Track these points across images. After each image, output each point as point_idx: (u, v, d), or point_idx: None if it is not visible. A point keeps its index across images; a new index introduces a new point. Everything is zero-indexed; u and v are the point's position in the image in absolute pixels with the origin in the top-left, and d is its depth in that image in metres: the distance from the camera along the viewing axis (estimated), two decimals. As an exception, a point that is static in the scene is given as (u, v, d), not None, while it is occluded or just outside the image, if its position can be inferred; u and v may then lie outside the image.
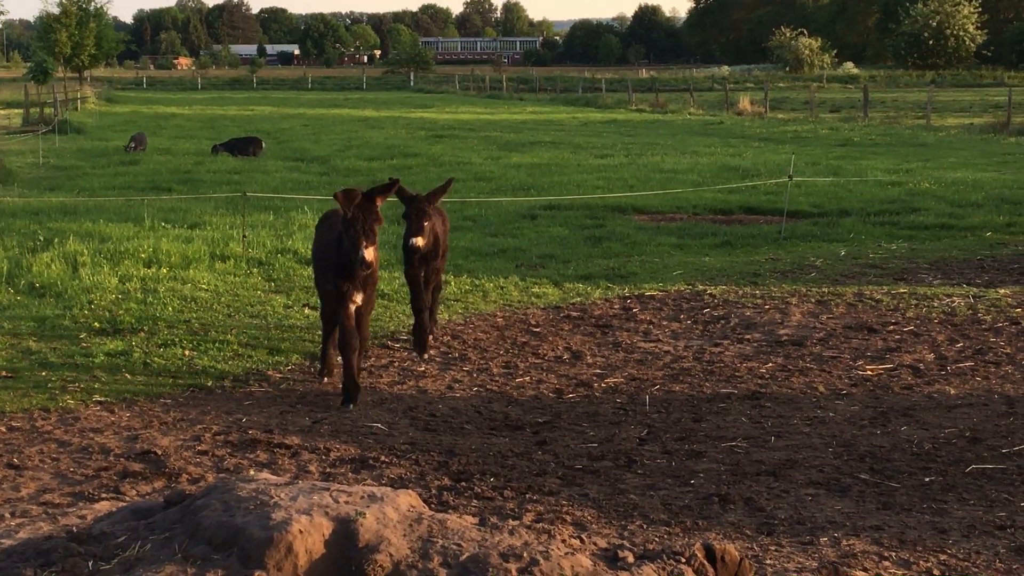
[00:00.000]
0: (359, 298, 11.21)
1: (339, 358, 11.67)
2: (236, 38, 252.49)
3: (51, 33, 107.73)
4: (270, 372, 12.47)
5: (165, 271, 17.38)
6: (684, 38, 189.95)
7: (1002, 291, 16.11)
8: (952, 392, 11.47)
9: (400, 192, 12.12)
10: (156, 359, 12.81)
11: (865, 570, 7.25)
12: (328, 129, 53.99)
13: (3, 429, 10.38)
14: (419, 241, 12.43)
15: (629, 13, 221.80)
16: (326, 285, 11.50)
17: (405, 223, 12.73)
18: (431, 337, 13.32)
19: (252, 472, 6.17)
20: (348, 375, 11.07)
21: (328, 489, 4.90)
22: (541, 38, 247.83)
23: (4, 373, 12.25)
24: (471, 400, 11.48)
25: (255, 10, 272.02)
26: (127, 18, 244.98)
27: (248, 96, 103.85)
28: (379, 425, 10.56)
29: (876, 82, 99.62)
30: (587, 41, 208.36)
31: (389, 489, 4.95)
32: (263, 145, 39.45)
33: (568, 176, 31.87)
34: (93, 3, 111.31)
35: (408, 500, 4.89)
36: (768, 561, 7.40)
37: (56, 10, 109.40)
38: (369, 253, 10.49)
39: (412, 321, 13.53)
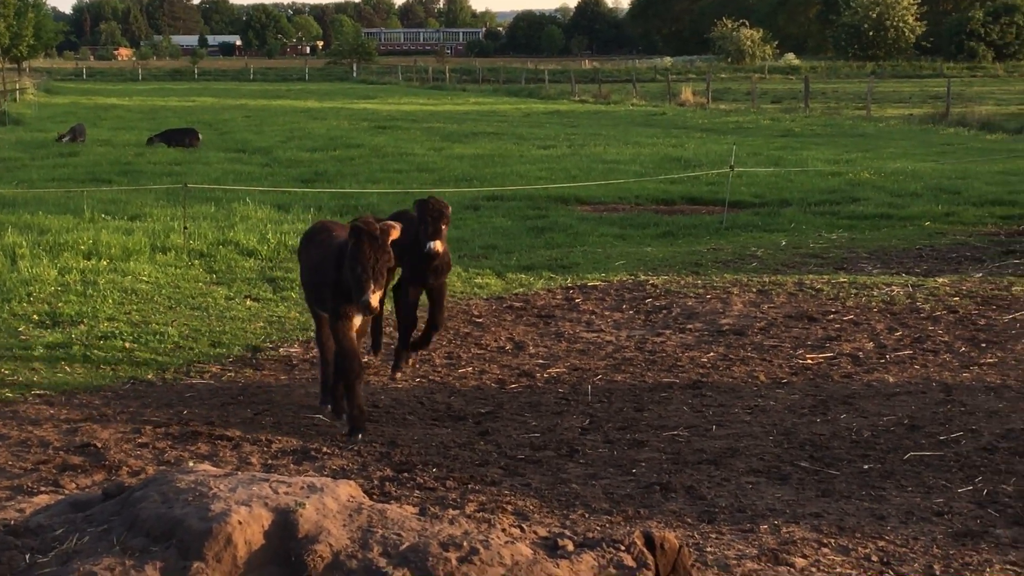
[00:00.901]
0: (359, 321, 10.22)
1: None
2: (177, 29, 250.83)
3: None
4: (211, 364, 12.39)
5: (105, 263, 17.24)
6: (627, 29, 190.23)
7: (940, 280, 16.24)
8: (891, 380, 11.56)
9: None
10: (96, 352, 12.70)
11: (804, 557, 7.30)
12: (270, 120, 53.70)
13: (-60, 423, 10.29)
14: (438, 246, 11.00)
15: (572, 4, 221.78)
16: (320, 308, 10.55)
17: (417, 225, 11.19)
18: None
19: (192, 464, 6.13)
20: (353, 403, 10.03)
21: (268, 480, 4.88)
22: (484, 29, 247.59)
23: (-59, 366, 12.14)
24: (413, 391, 11.47)
25: (196, 0, 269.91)
26: (66, 8, 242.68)
27: (189, 87, 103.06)
28: (321, 417, 10.52)
29: (817, 73, 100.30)
30: (530, 32, 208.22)
31: (329, 479, 4.93)
32: (199, 136, 39.15)
33: (511, 167, 31.85)
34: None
35: (348, 490, 4.88)
36: (709, 549, 7.44)
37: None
38: (375, 299, 9.46)
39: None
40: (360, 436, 9.90)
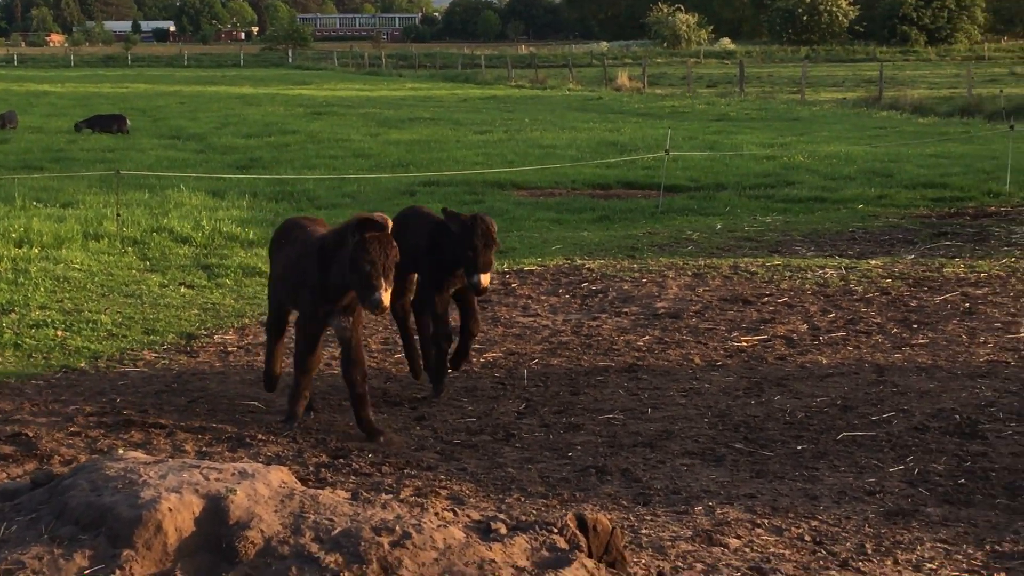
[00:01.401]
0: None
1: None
2: (110, 14, 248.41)
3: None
4: (145, 352, 12.28)
5: (37, 251, 17.04)
6: (563, 14, 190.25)
7: (873, 262, 16.37)
8: (824, 362, 11.64)
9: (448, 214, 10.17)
10: (27, 340, 12.56)
11: (738, 537, 7.34)
12: (205, 106, 53.33)
13: None
14: (486, 280, 9.91)
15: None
16: (294, 307, 10.08)
17: (454, 249, 9.99)
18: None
19: (122, 452, 6.09)
20: (295, 398, 9.72)
21: (199, 467, 4.85)
22: (420, 14, 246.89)
23: None
24: (349, 376, 11.43)
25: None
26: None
27: (123, 73, 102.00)
28: (256, 403, 10.46)
29: (752, 57, 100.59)
30: (466, 17, 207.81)
31: (261, 465, 4.92)
32: (128, 122, 38.79)
33: (447, 152, 31.81)
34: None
35: (280, 476, 4.86)
36: (644, 531, 7.46)
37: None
38: (387, 297, 8.81)
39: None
40: (295, 425, 9.70)
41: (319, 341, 9.73)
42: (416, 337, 11.02)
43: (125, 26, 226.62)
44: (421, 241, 10.32)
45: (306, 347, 9.66)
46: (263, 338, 12.87)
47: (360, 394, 9.42)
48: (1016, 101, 44.36)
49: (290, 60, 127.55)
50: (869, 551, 7.19)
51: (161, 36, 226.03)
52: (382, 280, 8.65)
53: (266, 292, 14.96)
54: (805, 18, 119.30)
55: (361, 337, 9.78)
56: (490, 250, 9.86)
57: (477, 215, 10.05)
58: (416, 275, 10.86)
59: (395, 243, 8.87)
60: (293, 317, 10.30)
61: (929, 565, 7.01)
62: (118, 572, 4.35)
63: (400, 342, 12.54)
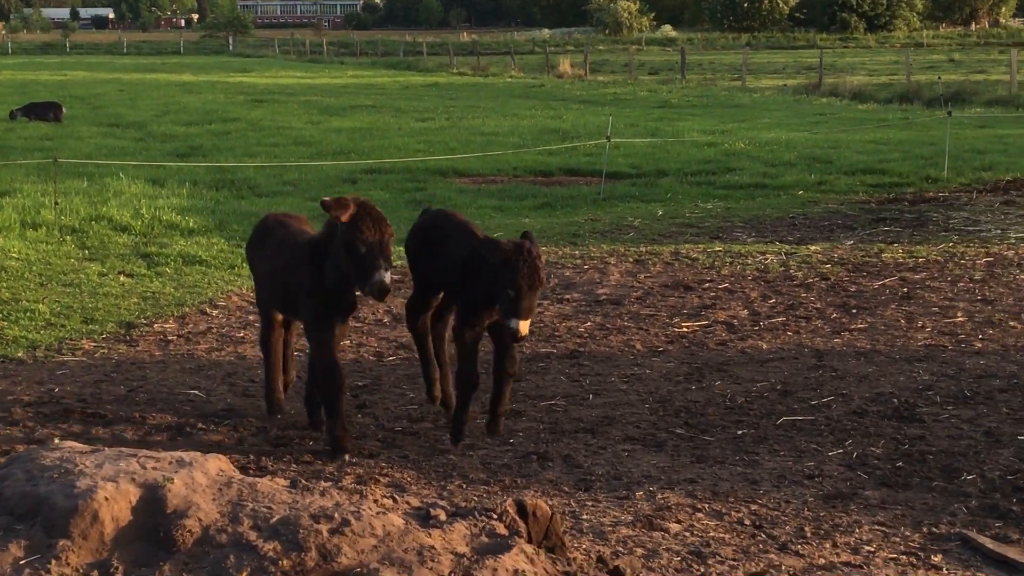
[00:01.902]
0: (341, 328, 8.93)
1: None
2: (48, 1, 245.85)
3: None
4: (84, 341, 12.18)
5: (-27, 240, 16.91)
6: (505, 1, 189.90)
7: (813, 248, 16.46)
8: (764, 347, 11.70)
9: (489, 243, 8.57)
10: (-36, 330, 12.47)
11: (679, 522, 7.36)
12: (145, 94, 52.96)
13: None
14: (524, 328, 8.25)
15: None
16: (289, 313, 9.38)
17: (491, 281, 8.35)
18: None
19: (58, 441, 6.05)
20: (336, 420, 8.70)
21: (136, 456, 4.82)
22: (362, 2, 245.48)
23: None
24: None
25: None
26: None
27: (61, 61, 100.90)
28: (197, 392, 10.41)
29: (693, 45, 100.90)
30: (408, 5, 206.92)
31: (198, 454, 4.89)
32: (64, 110, 38.42)
33: (389, 140, 31.75)
34: None
35: (218, 464, 4.84)
36: (584, 516, 7.48)
37: None
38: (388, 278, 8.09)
39: None
40: (347, 457, 8.58)
41: (331, 348, 8.74)
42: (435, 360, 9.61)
43: (63, 13, 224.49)
44: (456, 259, 8.79)
45: (327, 360, 8.66)
46: (203, 326, 12.87)
47: (331, 404, 8.78)
48: (954, 87, 44.81)
49: (231, 48, 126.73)
50: (808, 534, 7.23)
51: (100, 23, 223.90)
52: (380, 260, 7.97)
53: (205, 280, 15.02)
54: (746, 5, 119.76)
55: (335, 349, 8.94)
56: (535, 292, 8.23)
57: (523, 245, 8.29)
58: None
59: (388, 221, 8.21)
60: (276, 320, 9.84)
61: (867, 548, 7.06)
62: (54, 562, 4.31)
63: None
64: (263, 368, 9.96)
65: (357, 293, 8.64)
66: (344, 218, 8.04)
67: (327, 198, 8.27)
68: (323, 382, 8.73)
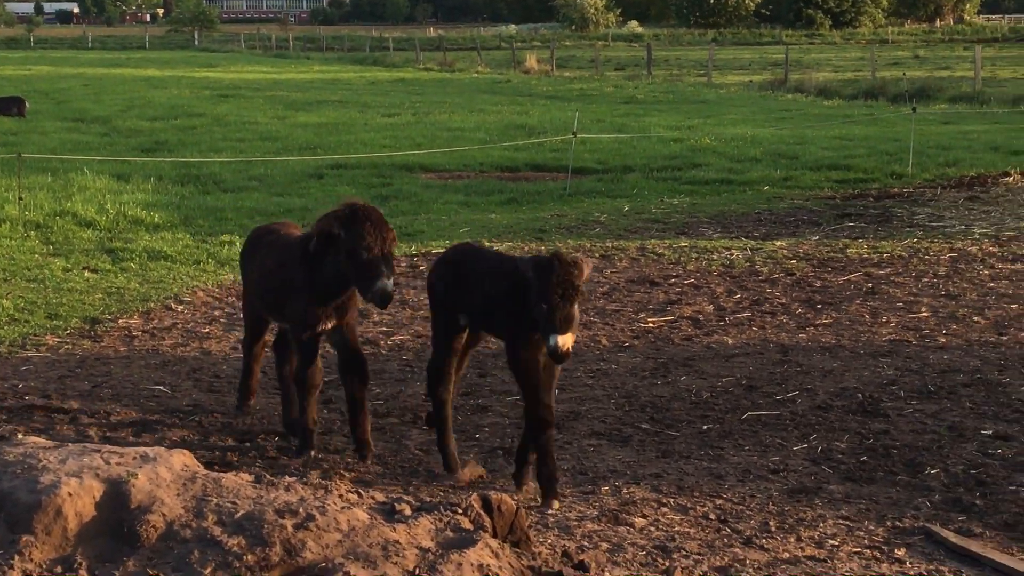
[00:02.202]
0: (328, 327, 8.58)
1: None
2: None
3: None
4: (48, 337, 12.10)
5: (-63, 236, 16.81)
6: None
7: (778, 243, 16.51)
8: (730, 342, 11.73)
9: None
10: (-73, 325, 12.40)
11: (644, 516, 7.38)
12: (109, 89, 52.68)
13: None
14: (568, 342, 7.24)
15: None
16: (278, 317, 9.07)
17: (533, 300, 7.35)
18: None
19: (22, 436, 6.02)
20: (306, 416, 8.59)
21: (100, 451, 4.80)
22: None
23: None
24: (255, 360, 11.36)
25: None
26: None
27: (25, 56, 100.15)
28: (162, 387, 10.37)
29: (660, 40, 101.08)
30: (375, 0, 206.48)
31: (163, 449, 4.88)
32: (27, 104, 38.16)
33: (355, 135, 31.68)
34: None
35: (182, 459, 4.82)
36: (550, 511, 7.49)
37: None
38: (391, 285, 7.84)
39: None
40: (312, 453, 8.55)
41: (317, 350, 8.60)
42: None
43: (28, 7, 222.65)
44: (499, 287, 7.89)
45: (306, 360, 8.55)
46: (168, 322, 12.81)
47: (360, 401, 8.56)
48: (918, 84, 45.00)
49: (196, 42, 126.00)
50: (773, 528, 7.26)
51: (65, 18, 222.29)
52: (382, 266, 7.74)
53: (171, 276, 14.97)
54: (712, 1, 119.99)
55: (359, 339, 8.82)
56: (570, 304, 7.27)
57: (554, 256, 7.43)
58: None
59: (390, 226, 8.00)
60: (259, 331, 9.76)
61: (831, 542, 7.10)
62: (17, 558, 4.29)
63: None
64: (242, 369, 9.83)
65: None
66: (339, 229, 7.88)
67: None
68: (301, 382, 8.58)
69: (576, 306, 7.27)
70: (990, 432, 8.94)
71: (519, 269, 7.63)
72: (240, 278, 10.11)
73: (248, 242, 9.69)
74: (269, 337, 9.91)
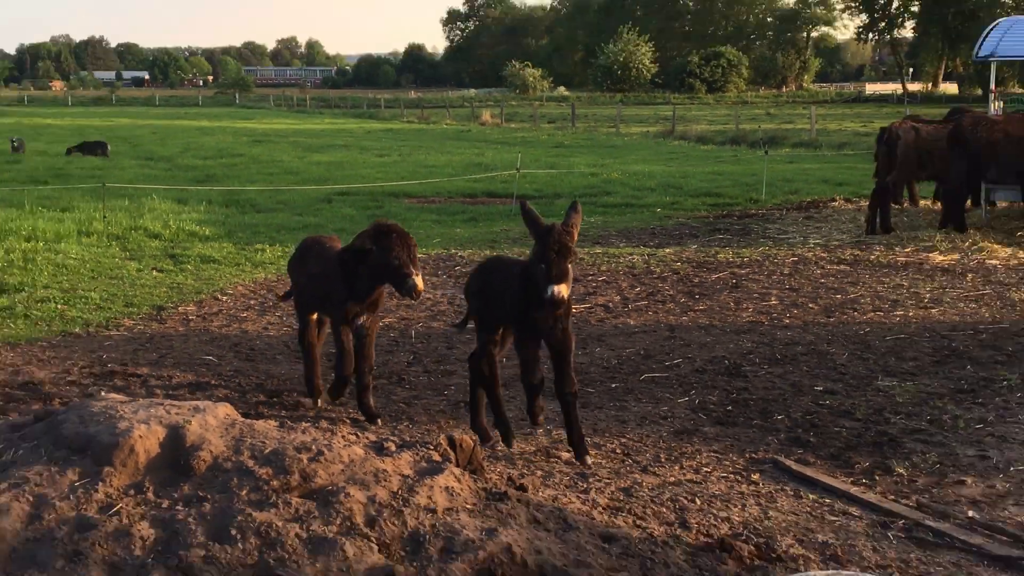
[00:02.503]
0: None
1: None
2: (98, 66, 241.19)
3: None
4: (125, 320, 12.05)
5: (41, 245, 16.64)
6: (442, 68, 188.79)
7: (667, 250, 16.57)
8: (632, 323, 11.76)
9: (528, 216, 7.02)
10: (35, 312, 12.26)
11: (568, 451, 7.41)
12: (172, 136, 52.27)
13: (-90, 368, 9.83)
14: (564, 291, 6.68)
15: (401, 49, 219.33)
16: (324, 312, 8.70)
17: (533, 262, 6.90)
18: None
19: (104, 394, 5.97)
20: (364, 398, 8.28)
21: (163, 404, 4.76)
22: (335, 68, 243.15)
23: (-89, 325, 11.59)
24: (281, 338, 11.33)
25: (113, 44, 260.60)
26: (11, 49, 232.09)
27: (109, 111, 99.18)
28: (211, 357, 10.33)
29: (581, 101, 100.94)
30: (370, 70, 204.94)
31: (210, 403, 4.84)
32: (108, 147, 37.85)
33: (355, 170, 31.58)
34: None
35: (225, 410, 4.79)
36: (499, 448, 7.52)
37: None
38: (420, 281, 7.61)
39: None
40: (320, 403, 8.57)
41: (351, 340, 8.27)
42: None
43: (110, 75, 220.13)
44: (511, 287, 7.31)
45: (348, 346, 8.24)
46: (215, 309, 12.75)
47: (365, 384, 8.25)
48: (770, 134, 45.25)
49: (237, 101, 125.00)
50: (662, 460, 7.31)
51: (138, 83, 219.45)
52: (410, 267, 7.56)
53: (218, 274, 14.87)
54: (619, 72, 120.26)
55: (375, 337, 8.49)
56: (564, 259, 6.75)
57: (553, 226, 6.88)
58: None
59: (411, 235, 7.76)
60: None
61: (705, 469, 7.15)
62: (101, 484, 4.26)
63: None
64: (303, 362, 9.08)
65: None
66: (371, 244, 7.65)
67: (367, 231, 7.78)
68: (344, 364, 8.26)
69: (569, 263, 6.73)
70: (820, 388, 9.02)
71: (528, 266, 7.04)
72: (290, 279, 9.50)
73: (297, 252, 9.17)
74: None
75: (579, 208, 7.10)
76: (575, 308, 12.55)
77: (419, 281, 7.57)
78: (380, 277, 7.81)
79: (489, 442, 7.54)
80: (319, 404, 8.69)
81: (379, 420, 8.20)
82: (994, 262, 15.04)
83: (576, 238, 6.85)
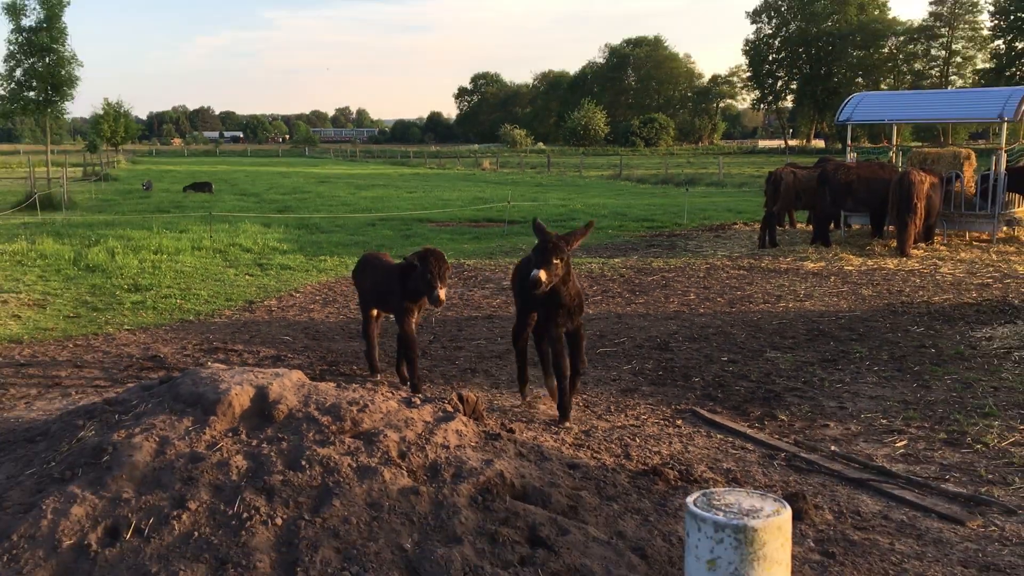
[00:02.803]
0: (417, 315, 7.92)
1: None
2: (206, 128, 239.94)
3: (99, 124, 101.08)
4: (225, 311, 11.98)
5: (165, 256, 16.54)
6: (455, 129, 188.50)
7: (616, 260, 16.55)
8: (590, 312, 11.71)
9: (537, 229, 6.91)
10: (160, 305, 12.21)
11: (545, 405, 7.39)
12: (260, 178, 52.01)
13: (71, 346, 9.77)
14: (542, 275, 6.47)
15: (425, 115, 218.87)
16: (386, 309, 8.29)
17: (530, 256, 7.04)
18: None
19: (210, 363, 5.93)
20: (413, 372, 7.76)
21: (252, 371, 4.73)
22: (378, 129, 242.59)
23: (72, 314, 11.53)
24: (339, 323, 11.27)
25: (217, 111, 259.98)
26: (143, 115, 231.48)
27: (214, 160, 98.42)
28: (287, 337, 10.27)
29: (554, 153, 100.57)
30: (403, 130, 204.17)
31: (287, 370, 4.81)
32: (212, 186, 37.80)
33: (392, 203, 31.42)
34: (123, 108, 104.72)
35: (298, 375, 4.77)
36: (496, 402, 7.48)
37: (101, 111, 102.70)
38: (443, 294, 7.24)
39: None
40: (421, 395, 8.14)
41: (412, 328, 7.83)
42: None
43: (215, 135, 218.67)
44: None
45: (410, 335, 7.80)
46: (291, 303, 12.66)
47: (412, 358, 7.77)
48: (689, 176, 45.24)
49: (306, 153, 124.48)
50: (612, 410, 7.29)
51: (235, 140, 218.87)
52: (438, 282, 7.22)
53: (293, 278, 14.82)
54: (582, 132, 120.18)
55: (413, 327, 7.85)
56: (548, 254, 6.70)
57: (549, 237, 6.81)
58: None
59: (446, 259, 7.41)
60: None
61: (643, 416, 7.13)
62: (207, 429, 4.24)
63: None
64: (365, 347, 8.65)
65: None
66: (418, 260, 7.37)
67: (417, 254, 7.45)
68: (407, 349, 7.82)
69: (554, 259, 6.44)
70: (725, 359, 9.02)
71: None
72: (355, 285, 8.98)
73: (358, 264, 8.72)
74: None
75: (591, 226, 6.74)
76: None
77: (442, 294, 7.22)
78: (419, 287, 7.49)
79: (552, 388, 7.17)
80: (377, 378, 8.37)
81: (422, 389, 7.81)
82: (850, 268, 15.07)
83: (574, 247, 6.60)
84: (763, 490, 5.42)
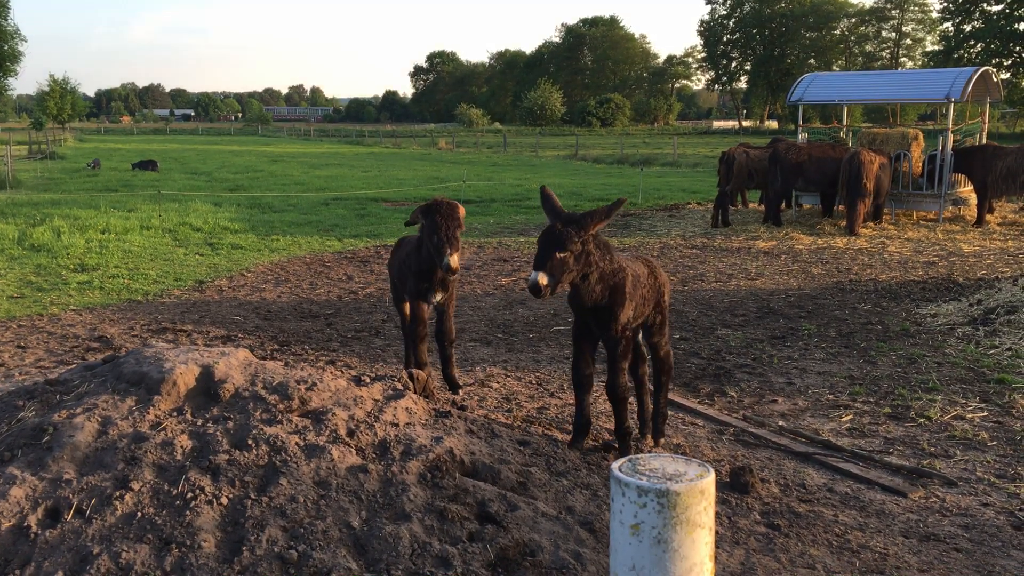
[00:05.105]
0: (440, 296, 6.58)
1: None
2: (156, 105, 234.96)
3: (45, 101, 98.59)
4: (175, 291, 11.80)
5: (112, 236, 16.22)
6: (410, 108, 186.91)
7: (571, 239, 16.56)
8: (545, 291, 11.76)
9: (547, 204, 5.34)
10: (107, 284, 11.98)
11: (498, 383, 7.40)
12: (211, 157, 51.14)
13: (15, 327, 9.54)
14: (541, 279, 5.01)
15: (380, 93, 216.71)
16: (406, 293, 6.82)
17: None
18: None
19: (155, 343, 5.83)
20: (448, 370, 6.88)
21: (198, 350, 4.66)
22: (332, 108, 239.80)
23: (15, 295, 11.26)
24: (291, 303, 11.16)
25: (167, 89, 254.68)
26: (91, 92, 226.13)
27: (164, 139, 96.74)
28: (238, 317, 10.15)
29: (511, 132, 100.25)
30: (358, 109, 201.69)
31: (233, 348, 4.74)
32: (159, 164, 37.21)
33: (346, 181, 31.15)
34: (70, 84, 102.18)
35: (245, 354, 4.70)
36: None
37: (46, 88, 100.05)
38: (455, 260, 6.04)
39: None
40: (460, 393, 6.80)
41: (423, 314, 6.69)
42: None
43: (165, 112, 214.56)
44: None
45: (419, 315, 6.68)
46: (242, 282, 12.52)
47: (448, 355, 6.78)
48: (645, 156, 45.47)
49: (259, 132, 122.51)
50: (565, 388, 7.32)
51: (186, 118, 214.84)
52: (448, 247, 5.98)
53: (244, 257, 14.62)
54: (538, 112, 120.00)
55: (453, 311, 6.78)
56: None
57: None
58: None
59: (458, 215, 6.09)
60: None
61: (597, 393, 7.15)
62: (151, 408, 4.17)
63: (317, 283, 12.25)
64: (410, 344, 7.06)
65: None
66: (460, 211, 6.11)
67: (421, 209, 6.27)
68: (414, 332, 6.68)
69: (558, 254, 4.98)
70: (677, 336, 9.10)
71: None
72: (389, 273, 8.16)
73: (394, 248, 7.23)
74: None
75: (620, 204, 4.89)
76: (504, 281, 12.55)
77: (454, 260, 5.97)
78: (428, 251, 6.19)
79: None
80: (426, 372, 6.22)
81: (460, 391, 6.76)
82: (800, 247, 15.29)
83: (591, 231, 5.04)
84: (712, 463, 5.50)
